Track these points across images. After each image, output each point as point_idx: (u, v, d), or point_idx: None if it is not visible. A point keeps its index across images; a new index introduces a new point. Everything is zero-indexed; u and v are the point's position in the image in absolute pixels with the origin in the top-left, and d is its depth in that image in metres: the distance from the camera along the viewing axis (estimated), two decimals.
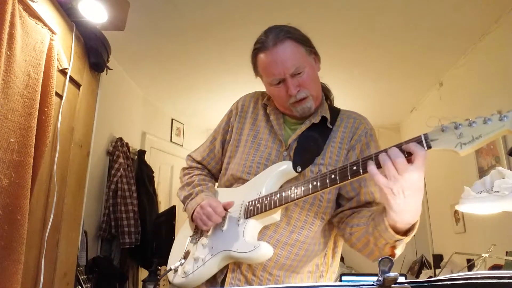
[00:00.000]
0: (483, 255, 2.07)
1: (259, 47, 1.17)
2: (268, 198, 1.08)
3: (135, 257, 3.36)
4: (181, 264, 1.17)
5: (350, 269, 4.50)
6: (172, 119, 4.59)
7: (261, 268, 1.11)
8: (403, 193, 0.80)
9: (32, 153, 1.39)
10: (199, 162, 1.40)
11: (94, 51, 1.97)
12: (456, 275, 0.56)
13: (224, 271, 1.14)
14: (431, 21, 2.83)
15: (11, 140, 1.31)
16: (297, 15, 2.78)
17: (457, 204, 1.70)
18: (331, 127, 1.19)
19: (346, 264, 4.58)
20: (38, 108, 1.44)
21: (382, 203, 0.88)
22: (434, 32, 2.96)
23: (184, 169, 1.43)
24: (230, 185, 1.27)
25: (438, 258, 3.81)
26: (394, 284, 0.54)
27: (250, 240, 1.09)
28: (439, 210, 3.94)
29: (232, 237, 1.12)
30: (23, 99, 1.38)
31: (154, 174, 3.79)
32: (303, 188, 1.01)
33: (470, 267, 2.43)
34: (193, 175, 1.35)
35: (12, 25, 1.31)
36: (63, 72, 1.72)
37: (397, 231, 0.88)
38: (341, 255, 4.90)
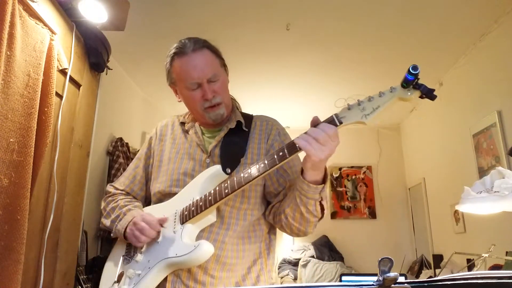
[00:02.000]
0: (483, 255, 2.07)
1: (177, 52, 1.21)
2: (203, 200, 1.11)
3: None
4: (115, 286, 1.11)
5: (350, 269, 4.50)
6: None
7: (203, 272, 1.11)
8: (324, 154, 0.98)
9: (32, 153, 1.39)
10: (122, 190, 1.36)
11: (94, 51, 1.97)
12: (456, 275, 0.56)
13: (164, 284, 1.11)
14: (431, 21, 2.83)
15: (11, 140, 1.31)
16: (297, 15, 2.79)
17: (457, 204, 1.70)
18: (246, 130, 1.27)
19: (346, 264, 4.59)
20: (38, 108, 1.45)
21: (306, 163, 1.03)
22: (434, 31, 2.96)
23: (106, 198, 1.37)
24: (159, 202, 1.27)
25: (438, 258, 3.81)
26: (394, 284, 0.54)
27: (188, 241, 1.08)
28: (439, 210, 3.94)
29: (168, 245, 1.10)
30: (23, 99, 1.38)
31: None
32: (236, 181, 1.07)
33: (470, 267, 2.43)
34: (117, 200, 1.31)
35: (12, 25, 1.31)
36: (63, 72, 1.72)
37: (317, 184, 1.05)
38: (341, 255, 4.91)
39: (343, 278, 2.66)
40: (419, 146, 4.58)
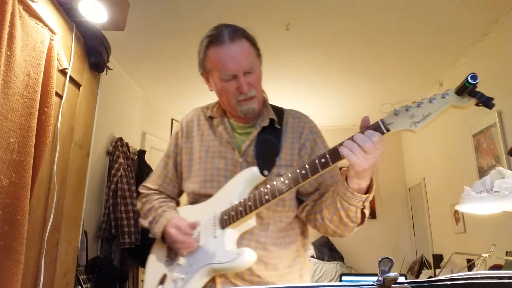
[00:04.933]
0: (483, 255, 2.08)
1: (213, 40, 1.16)
2: (243, 205, 1.10)
3: (135, 257, 3.36)
4: None
5: (350, 269, 4.50)
6: (172, 119, 4.59)
7: (249, 273, 1.12)
8: (369, 163, 0.95)
9: (32, 153, 1.39)
10: (155, 190, 1.38)
11: (94, 51, 1.97)
12: (456, 275, 0.56)
13: (212, 285, 1.13)
14: (431, 21, 2.83)
15: (11, 140, 1.31)
16: (297, 15, 2.79)
17: (457, 204, 1.70)
18: (279, 127, 1.24)
19: (346, 264, 4.58)
20: (38, 108, 1.44)
21: (348, 172, 1.01)
22: (434, 32, 2.96)
23: (140, 199, 1.39)
24: (194, 203, 1.27)
25: (438, 258, 3.81)
26: (394, 284, 0.54)
27: (231, 248, 1.09)
28: (439, 210, 3.94)
29: (211, 250, 1.11)
30: (23, 99, 1.38)
31: None
32: (276, 188, 1.06)
33: (470, 267, 2.43)
34: (152, 201, 1.33)
35: (12, 25, 1.31)
36: (63, 72, 1.72)
37: (361, 193, 1.01)
38: (341, 255, 4.90)
39: (343, 278, 2.66)
40: (419, 146, 4.58)
